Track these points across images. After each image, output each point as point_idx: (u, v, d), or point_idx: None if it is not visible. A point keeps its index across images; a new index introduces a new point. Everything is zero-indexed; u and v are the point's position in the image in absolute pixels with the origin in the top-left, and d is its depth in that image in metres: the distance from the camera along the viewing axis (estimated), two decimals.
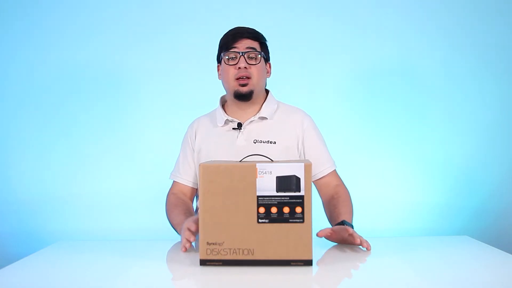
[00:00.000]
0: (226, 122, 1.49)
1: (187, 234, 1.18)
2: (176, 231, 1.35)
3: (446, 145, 2.33)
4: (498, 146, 2.32)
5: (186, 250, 1.17)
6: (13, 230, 2.29)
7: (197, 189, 1.53)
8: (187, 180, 1.51)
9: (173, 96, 2.33)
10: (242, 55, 1.42)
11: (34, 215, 2.29)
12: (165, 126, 2.29)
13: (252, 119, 1.48)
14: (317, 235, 1.19)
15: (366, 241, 1.19)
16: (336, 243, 1.28)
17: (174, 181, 1.54)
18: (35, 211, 2.29)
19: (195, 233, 1.18)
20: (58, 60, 2.33)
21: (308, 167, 1.03)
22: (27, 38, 2.33)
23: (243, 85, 1.43)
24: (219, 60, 1.51)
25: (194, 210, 1.57)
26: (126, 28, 2.34)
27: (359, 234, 1.24)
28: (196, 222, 1.17)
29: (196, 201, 1.56)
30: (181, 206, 1.42)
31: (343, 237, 1.23)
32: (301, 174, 1.02)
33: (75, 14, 2.34)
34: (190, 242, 1.17)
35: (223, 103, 1.57)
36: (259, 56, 1.45)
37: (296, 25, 2.34)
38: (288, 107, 1.56)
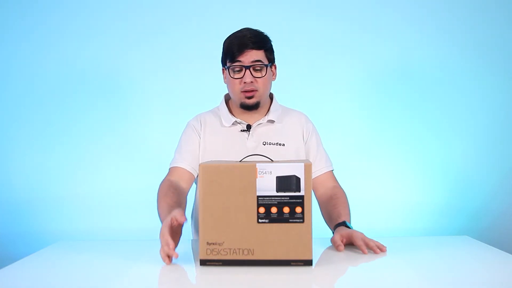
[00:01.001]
0: (234, 123, 1.49)
1: (166, 250, 1.07)
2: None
3: (446, 146, 2.33)
4: (498, 147, 2.32)
5: (168, 262, 1.08)
6: (13, 230, 2.29)
7: (195, 178, 1.48)
8: (187, 165, 1.43)
9: (173, 96, 2.33)
10: (247, 69, 1.40)
11: (34, 215, 2.29)
12: (165, 126, 2.29)
13: (260, 122, 1.48)
14: (340, 250, 1.18)
15: (381, 246, 1.18)
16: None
17: (171, 167, 1.45)
18: (35, 211, 2.29)
19: (175, 246, 1.08)
20: (58, 60, 2.33)
21: (308, 167, 1.03)
22: (27, 38, 2.33)
23: (249, 98, 1.42)
24: (223, 64, 1.48)
25: (193, 205, 1.56)
26: (125, 28, 2.34)
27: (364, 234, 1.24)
28: (168, 229, 1.07)
29: (195, 199, 1.55)
30: (171, 197, 1.29)
31: (352, 242, 1.22)
32: (301, 174, 1.02)
33: (75, 14, 2.34)
34: (170, 259, 1.07)
35: (227, 100, 1.55)
36: (265, 67, 1.42)
37: (297, 25, 2.34)
38: (291, 111, 1.58)
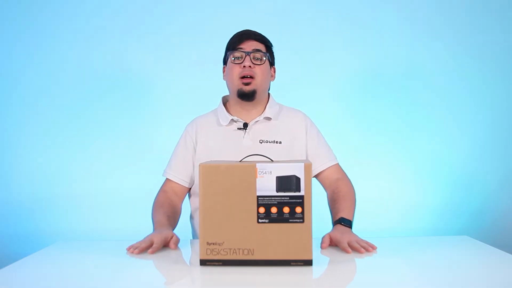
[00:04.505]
0: (231, 122, 1.50)
1: (144, 246, 1.18)
2: (153, 228, 1.35)
3: (446, 145, 2.33)
4: (498, 147, 2.32)
5: (132, 251, 1.18)
6: (13, 230, 2.28)
7: (190, 188, 1.53)
8: (179, 178, 1.50)
9: (173, 96, 2.33)
10: (247, 54, 1.45)
11: (34, 215, 2.29)
12: (166, 126, 2.29)
13: (257, 119, 1.49)
14: (322, 248, 1.21)
15: (367, 246, 1.19)
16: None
17: (166, 178, 1.52)
18: (35, 211, 2.29)
19: (156, 248, 1.18)
20: (59, 60, 2.33)
21: (308, 167, 1.03)
22: (29, 37, 2.33)
23: (247, 84, 1.44)
24: (225, 61, 1.53)
25: (191, 211, 1.57)
26: (128, 27, 2.34)
27: (359, 235, 1.26)
28: (163, 240, 1.21)
29: (189, 199, 1.56)
30: (167, 208, 1.41)
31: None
32: (301, 174, 1.02)
33: (79, 13, 2.34)
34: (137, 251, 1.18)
35: (225, 102, 1.57)
36: (265, 58, 1.47)
37: (295, 25, 2.34)
38: (289, 109, 1.59)
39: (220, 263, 1.04)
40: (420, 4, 2.34)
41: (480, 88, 2.33)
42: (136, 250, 1.17)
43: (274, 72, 1.57)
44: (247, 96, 1.46)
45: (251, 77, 1.44)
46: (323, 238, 1.25)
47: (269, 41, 1.53)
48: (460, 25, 2.33)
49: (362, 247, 1.17)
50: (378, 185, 2.31)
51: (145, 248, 1.18)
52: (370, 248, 1.18)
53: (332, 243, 1.24)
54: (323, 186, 1.53)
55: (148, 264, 1.11)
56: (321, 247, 1.21)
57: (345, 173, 1.52)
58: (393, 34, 2.34)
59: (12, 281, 1.00)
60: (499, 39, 2.32)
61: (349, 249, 1.16)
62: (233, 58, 1.46)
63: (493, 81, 2.33)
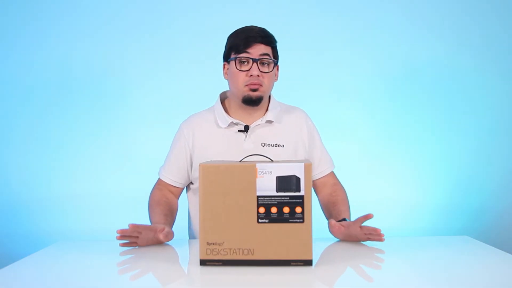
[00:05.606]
0: (231, 124, 1.45)
1: (159, 235, 1.25)
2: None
3: (446, 145, 2.33)
4: (498, 147, 2.32)
5: (120, 237, 1.23)
6: (13, 230, 2.28)
7: (183, 188, 1.53)
8: (173, 180, 1.48)
9: (173, 96, 2.33)
10: (255, 61, 1.36)
11: (34, 215, 2.29)
12: (165, 125, 2.27)
13: (259, 122, 1.44)
14: (330, 224, 1.27)
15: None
16: (336, 240, 1.30)
17: (160, 179, 1.50)
18: (35, 211, 2.29)
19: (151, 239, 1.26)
20: (56, 60, 2.33)
21: (308, 167, 1.03)
22: (21, 37, 2.32)
23: (254, 90, 1.37)
24: (226, 59, 1.45)
25: (189, 210, 1.56)
26: (119, 27, 2.34)
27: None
28: (153, 231, 1.27)
29: (188, 198, 1.56)
30: (164, 205, 1.41)
31: (352, 233, 1.25)
32: (301, 174, 1.02)
33: (68, 13, 2.33)
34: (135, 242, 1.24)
35: (222, 99, 1.51)
36: (272, 64, 1.39)
37: (298, 23, 2.34)
38: (289, 108, 1.54)
39: (220, 263, 1.03)
40: (423, 4, 2.34)
41: (480, 88, 2.33)
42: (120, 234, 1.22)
43: (278, 70, 1.48)
44: (253, 102, 1.39)
45: (258, 85, 1.37)
46: (333, 225, 1.28)
47: (274, 40, 1.42)
48: (461, 25, 2.33)
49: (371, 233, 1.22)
50: (378, 185, 2.31)
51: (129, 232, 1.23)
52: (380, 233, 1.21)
53: (343, 230, 1.26)
54: (315, 189, 1.51)
55: (148, 264, 1.11)
56: (336, 227, 1.26)
57: (337, 178, 1.53)
58: (398, 34, 2.34)
59: (12, 281, 1.00)
60: (505, 38, 2.32)
61: (377, 229, 1.21)
62: (238, 62, 1.37)
63: (494, 81, 2.33)
